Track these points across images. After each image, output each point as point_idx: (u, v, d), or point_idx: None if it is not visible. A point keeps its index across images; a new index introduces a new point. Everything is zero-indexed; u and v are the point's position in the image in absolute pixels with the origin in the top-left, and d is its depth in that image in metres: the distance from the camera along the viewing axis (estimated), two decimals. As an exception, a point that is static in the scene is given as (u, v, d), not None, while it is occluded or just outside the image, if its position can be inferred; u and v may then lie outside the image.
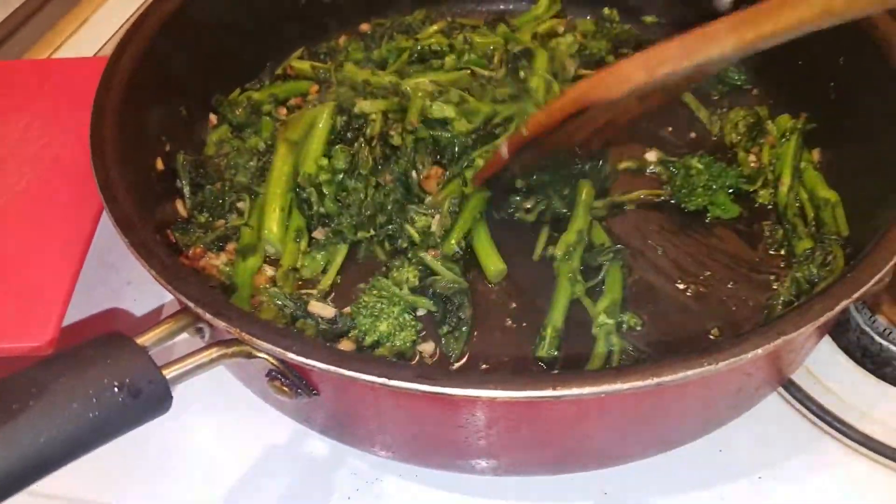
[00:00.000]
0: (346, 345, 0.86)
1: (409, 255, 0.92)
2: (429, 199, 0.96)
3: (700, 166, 0.98)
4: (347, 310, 0.89)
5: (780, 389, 0.88)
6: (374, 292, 0.87)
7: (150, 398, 0.58)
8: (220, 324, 0.64)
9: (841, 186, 0.97)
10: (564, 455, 0.72)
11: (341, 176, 0.97)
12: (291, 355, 0.62)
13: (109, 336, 0.60)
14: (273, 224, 0.93)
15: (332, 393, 0.69)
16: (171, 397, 0.60)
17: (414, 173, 0.97)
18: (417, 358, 0.86)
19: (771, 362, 0.71)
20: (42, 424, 0.52)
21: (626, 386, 0.56)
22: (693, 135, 1.11)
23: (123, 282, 1.04)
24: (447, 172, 0.99)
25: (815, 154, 1.04)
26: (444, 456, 0.75)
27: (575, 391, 0.56)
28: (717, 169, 0.98)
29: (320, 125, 1.00)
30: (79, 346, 0.59)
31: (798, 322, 0.60)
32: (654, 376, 0.56)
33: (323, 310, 0.89)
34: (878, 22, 0.93)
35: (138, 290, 1.03)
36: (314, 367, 0.61)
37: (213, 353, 0.64)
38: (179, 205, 0.99)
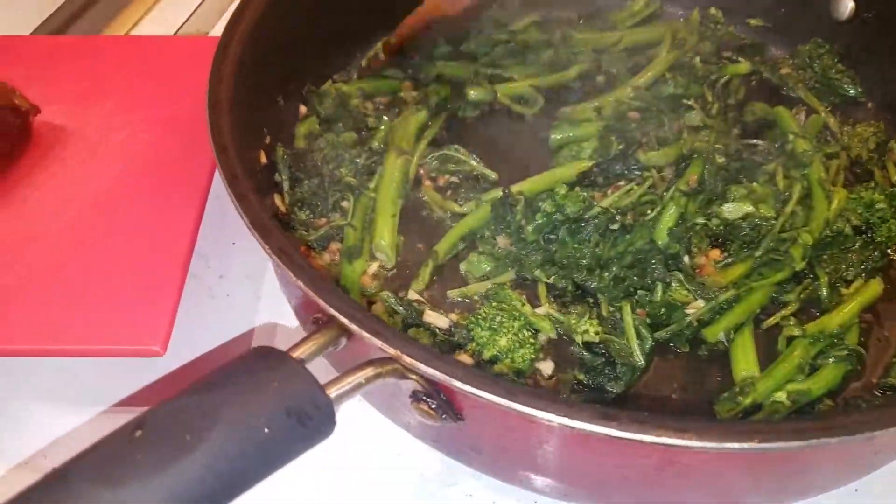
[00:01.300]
0: (463, 358, 0.82)
1: (597, 305, 0.85)
2: (708, 279, 0.86)
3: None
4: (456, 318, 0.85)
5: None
6: (494, 304, 0.83)
7: (318, 423, 0.53)
8: (377, 342, 0.59)
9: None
10: (727, 498, 0.68)
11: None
12: (458, 383, 0.57)
13: (266, 352, 0.56)
14: (385, 232, 0.90)
15: (480, 421, 0.65)
16: (335, 421, 0.55)
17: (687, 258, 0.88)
18: (533, 378, 0.82)
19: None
20: (214, 458, 0.47)
21: (835, 440, 0.52)
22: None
23: (215, 275, 1.00)
24: (731, 257, 0.88)
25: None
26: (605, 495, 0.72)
27: (781, 444, 0.51)
28: None
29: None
30: (237, 364, 0.54)
31: None
32: (868, 430, 0.52)
33: (437, 319, 0.85)
34: None
35: (232, 283, 0.99)
36: (482, 397, 0.57)
37: (369, 372, 0.60)
38: (278, 200, 0.95)
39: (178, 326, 0.81)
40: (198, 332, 0.90)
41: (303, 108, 1.07)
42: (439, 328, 0.84)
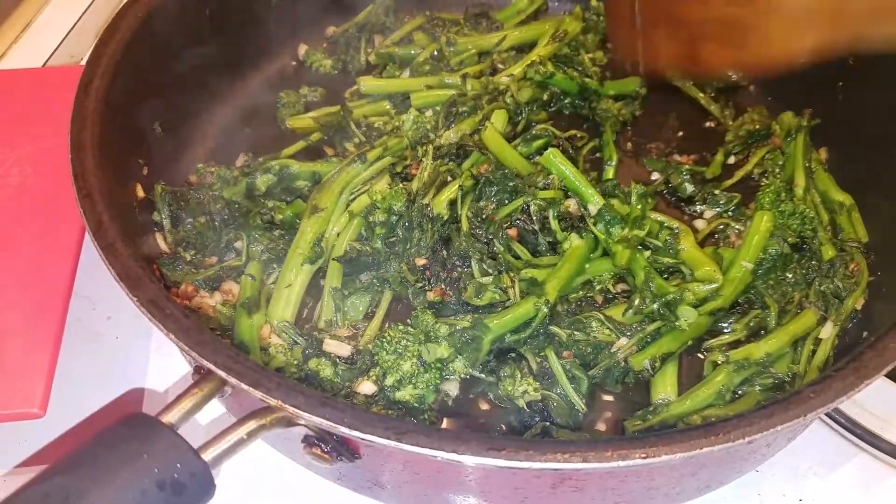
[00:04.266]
0: (365, 385, 0.80)
1: (524, 361, 0.81)
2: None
3: None
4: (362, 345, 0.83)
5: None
6: (401, 328, 0.81)
7: (194, 490, 0.51)
8: (258, 394, 0.57)
9: (853, 189, 0.96)
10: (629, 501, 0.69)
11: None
12: (344, 429, 0.56)
13: (134, 420, 0.53)
14: (280, 307, 0.86)
15: (376, 458, 0.63)
16: (214, 484, 0.53)
17: None
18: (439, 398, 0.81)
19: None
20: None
21: (717, 448, 0.52)
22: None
23: (103, 317, 0.95)
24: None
25: (823, 153, 1.02)
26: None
27: (665, 458, 0.52)
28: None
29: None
30: (104, 436, 0.52)
31: (877, 366, 0.57)
32: (745, 435, 0.53)
33: (339, 348, 0.83)
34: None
35: (121, 324, 0.95)
36: (373, 442, 0.55)
37: (251, 425, 0.58)
38: (160, 238, 0.90)
39: (65, 377, 0.78)
40: (86, 381, 0.86)
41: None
42: (340, 357, 0.83)
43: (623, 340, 0.82)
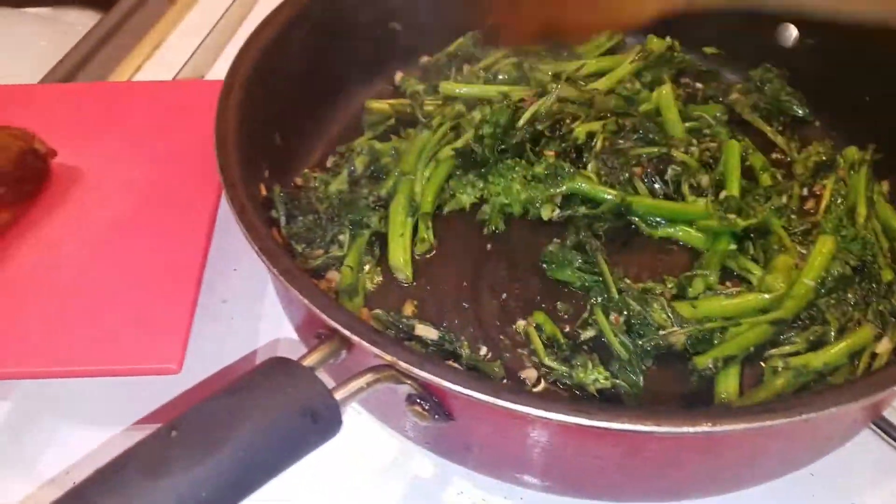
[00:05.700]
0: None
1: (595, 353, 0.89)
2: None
3: None
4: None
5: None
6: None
7: (328, 421, 0.61)
8: (375, 350, 0.67)
9: (914, 219, 1.02)
10: (693, 484, 0.76)
11: None
12: (447, 384, 0.65)
13: (281, 362, 0.64)
14: (398, 251, 0.99)
15: (469, 419, 0.73)
16: (342, 421, 0.63)
17: None
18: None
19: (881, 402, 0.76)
20: (244, 452, 0.55)
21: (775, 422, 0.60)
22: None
23: (218, 300, 1.08)
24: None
25: (885, 185, 1.09)
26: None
27: (730, 427, 0.60)
28: None
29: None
30: (256, 373, 0.62)
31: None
32: (802, 412, 0.61)
33: (427, 332, 0.93)
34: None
35: (235, 307, 1.07)
36: (468, 395, 0.65)
37: (370, 377, 0.68)
38: (275, 233, 1.02)
39: (189, 347, 0.89)
40: (207, 353, 0.98)
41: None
42: (430, 340, 0.92)
43: (677, 328, 0.90)
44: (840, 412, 0.64)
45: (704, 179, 1.04)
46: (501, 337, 0.95)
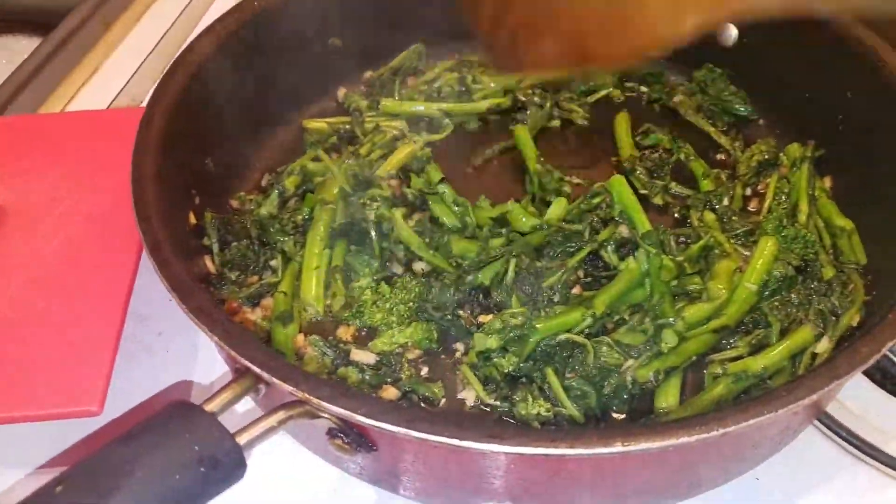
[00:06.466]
0: (388, 392, 0.88)
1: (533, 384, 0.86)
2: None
3: None
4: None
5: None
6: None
7: (228, 468, 0.59)
8: (287, 388, 0.65)
9: (854, 214, 1.01)
10: (613, 499, 0.74)
11: None
12: (360, 417, 0.63)
13: (180, 406, 0.62)
14: (311, 285, 0.95)
15: (391, 448, 0.71)
16: (246, 465, 0.61)
17: None
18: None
19: (819, 402, 0.74)
20: (133, 502, 0.53)
21: (692, 439, 0.58)
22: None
23: (154, 333, 1.05)
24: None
25: (827, 181, 1.08)
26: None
27: (644, 445, 0.58)
28: None
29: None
30: (153, 418, 0.60)
31: (847, 367, 0.62)
32: (720, 427, 0.59)
33: (365, 357, 0.91)
34: (886, 57, 0.97)
35: (170, 339, 1.04)
36: (384, 429, 0.63)
37: (281, 415, 0.66)
38: (209, 261, 1.00)
39: (118, 386, 0.86)
40: (135, 388, 0.95)
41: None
42: (367, 364, 0.90)
43: (631, 361, 0.87)
44: (764, 422, 0.62)
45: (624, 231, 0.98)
46: (443, 357, 0.93)
